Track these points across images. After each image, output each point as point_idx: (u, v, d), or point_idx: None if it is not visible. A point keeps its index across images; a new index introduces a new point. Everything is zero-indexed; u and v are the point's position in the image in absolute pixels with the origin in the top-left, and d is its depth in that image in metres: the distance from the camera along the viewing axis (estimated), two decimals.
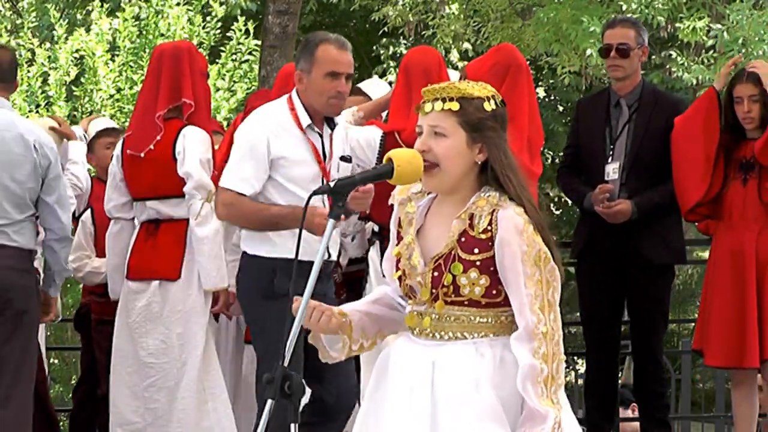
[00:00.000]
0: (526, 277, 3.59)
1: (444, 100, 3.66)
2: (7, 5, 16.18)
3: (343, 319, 3.75)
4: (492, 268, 3.63)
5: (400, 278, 3.74)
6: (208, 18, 14.43)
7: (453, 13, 14.63)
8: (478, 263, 3.63)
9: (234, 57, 14.44)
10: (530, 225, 3.60)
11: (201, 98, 6.14)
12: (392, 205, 3.85)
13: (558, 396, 3.57)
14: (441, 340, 3.69)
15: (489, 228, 3.63)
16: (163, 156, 6.03)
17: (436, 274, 3.67)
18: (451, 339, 3.67)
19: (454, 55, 15.71)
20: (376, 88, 6.80)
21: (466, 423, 3.58)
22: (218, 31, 14.40)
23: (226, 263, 6.01)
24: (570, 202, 12.75)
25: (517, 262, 3.59)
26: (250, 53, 14.32)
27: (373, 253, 5.94)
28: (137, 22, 14.01)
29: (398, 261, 3.75)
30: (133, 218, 6.25)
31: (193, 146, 5.98)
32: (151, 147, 6.05)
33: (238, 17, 14.52)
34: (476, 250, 3.64)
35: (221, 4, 14.66)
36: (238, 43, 14.43)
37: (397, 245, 3.78)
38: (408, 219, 3.77)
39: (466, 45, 14.95)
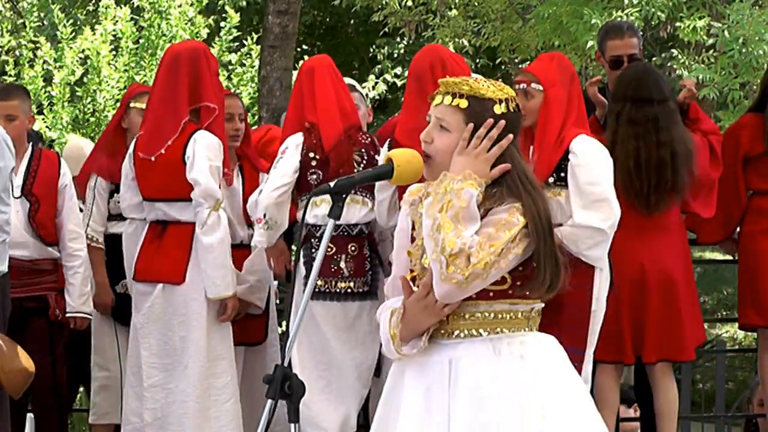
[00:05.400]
0: (486, 233, 3.51)
1: (454, 96, 3.63)
2: (8, 5, 16.17)
3: None
4: None
5: (413, 279, 3.72)
6: (222, 24, 14.48)
7: (453, 14, 14.64)
8: None
9: (240, 60, 14.50)
10: (521, 209, 3.57)
11: (218, 101, 6.11)
12: (401, 206, 3.84)
13: None
14: (456, 339, 3.65)
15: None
16: (173, 159, 5.99)
17: None
18: (467, 336, 3.63)
19: (450, 49, 15.73)
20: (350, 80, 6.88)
21: (482, 424, 3.56)
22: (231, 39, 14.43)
23: (232, 271, 6.01)
24: None
25: (490, 224, 3.54)
26: (254, 56, 14.32)
27: None
28: (138, 21, 14.02)
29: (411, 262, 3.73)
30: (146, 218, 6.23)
31: (202, 152, 5.93)
32: (162, 151, 6.01)
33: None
34: None
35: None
36: (234, 40, 14.46)
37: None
38: (420, 220, 3.76)
39: (464, 41, 14.96)
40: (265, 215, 5.97)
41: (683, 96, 6.38)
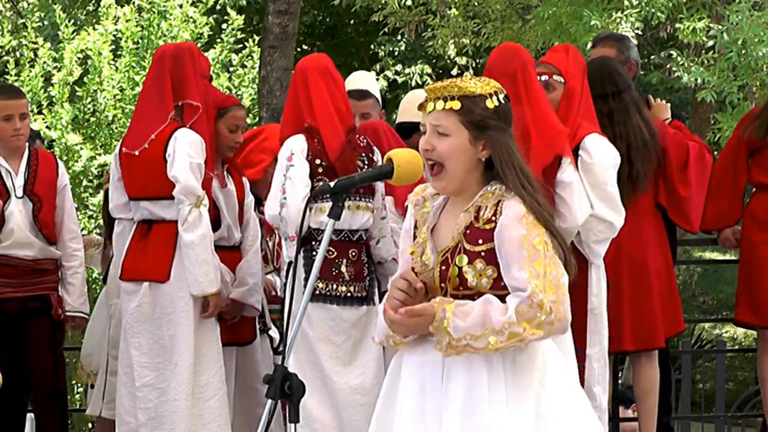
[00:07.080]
0: (522, 259, 3.55)
1: (445, 99, 3.66)
2: (8, 5, 16.18)
3: None
4: (497, 259, 3.62)
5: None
6: (224, 26, 14.51)
7: (453, 14, 14.65)
8: (483, 254, 3.62)
9: (240, 59, 14.51)
10: (531, 214, 3.59)
11: (202, 101, 6.12)
12: (407, 206, 3.86)
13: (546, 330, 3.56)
14: None
15: (493, 218, 3.63)
16: (155, 156, 5.99)
17: (443, 267, 3.67)
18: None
19: (451, 50, 15.76)
20: (368, 81, 6.84)
21: (475, 426, 3.57)
22: (232, 39, 14.47)
23: (216, 268, 6.02)
24: None
25: (515, 245, 3.57)
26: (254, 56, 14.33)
27: None
28: (140, 21, 14.03)
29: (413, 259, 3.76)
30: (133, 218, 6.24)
31: (183, 149, 5.92)
32: (146, 146, 6.02)
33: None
34: (480, 241, 3.63)
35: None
36: (237, 41, 14.47)
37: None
38: (423, 219, 3.77)
39: (464, 41, 14.98)
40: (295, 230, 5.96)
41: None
